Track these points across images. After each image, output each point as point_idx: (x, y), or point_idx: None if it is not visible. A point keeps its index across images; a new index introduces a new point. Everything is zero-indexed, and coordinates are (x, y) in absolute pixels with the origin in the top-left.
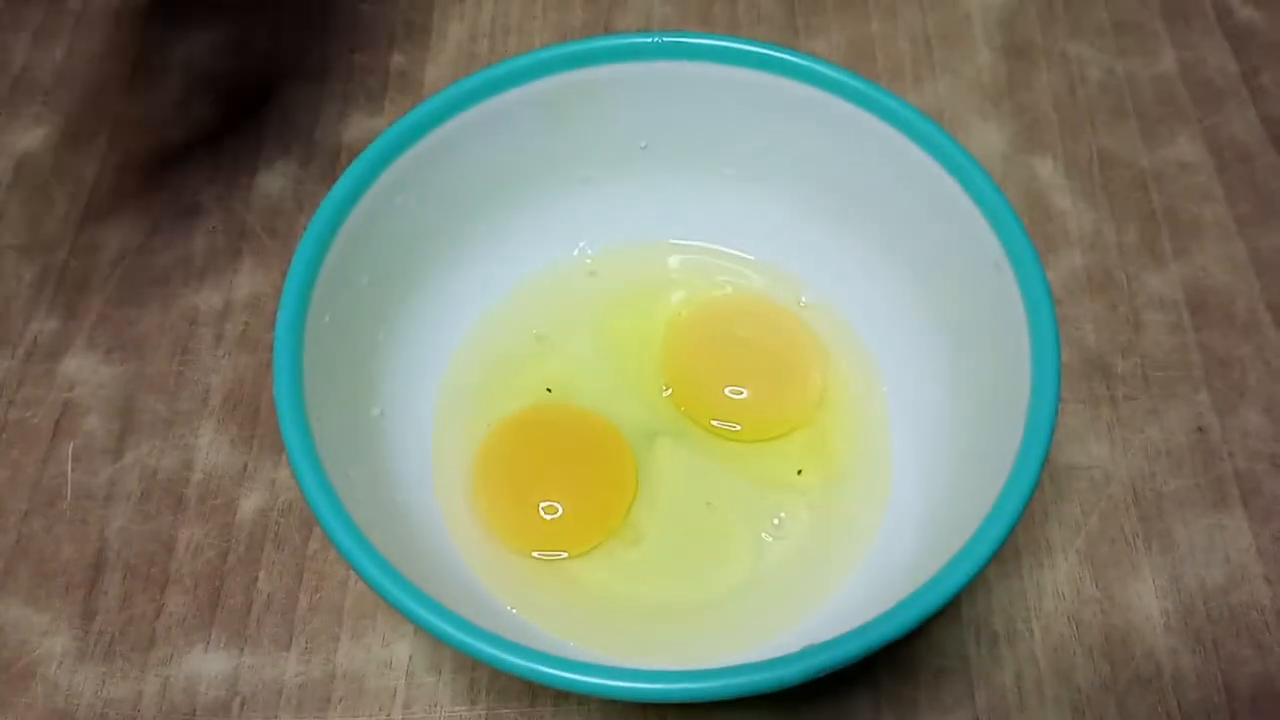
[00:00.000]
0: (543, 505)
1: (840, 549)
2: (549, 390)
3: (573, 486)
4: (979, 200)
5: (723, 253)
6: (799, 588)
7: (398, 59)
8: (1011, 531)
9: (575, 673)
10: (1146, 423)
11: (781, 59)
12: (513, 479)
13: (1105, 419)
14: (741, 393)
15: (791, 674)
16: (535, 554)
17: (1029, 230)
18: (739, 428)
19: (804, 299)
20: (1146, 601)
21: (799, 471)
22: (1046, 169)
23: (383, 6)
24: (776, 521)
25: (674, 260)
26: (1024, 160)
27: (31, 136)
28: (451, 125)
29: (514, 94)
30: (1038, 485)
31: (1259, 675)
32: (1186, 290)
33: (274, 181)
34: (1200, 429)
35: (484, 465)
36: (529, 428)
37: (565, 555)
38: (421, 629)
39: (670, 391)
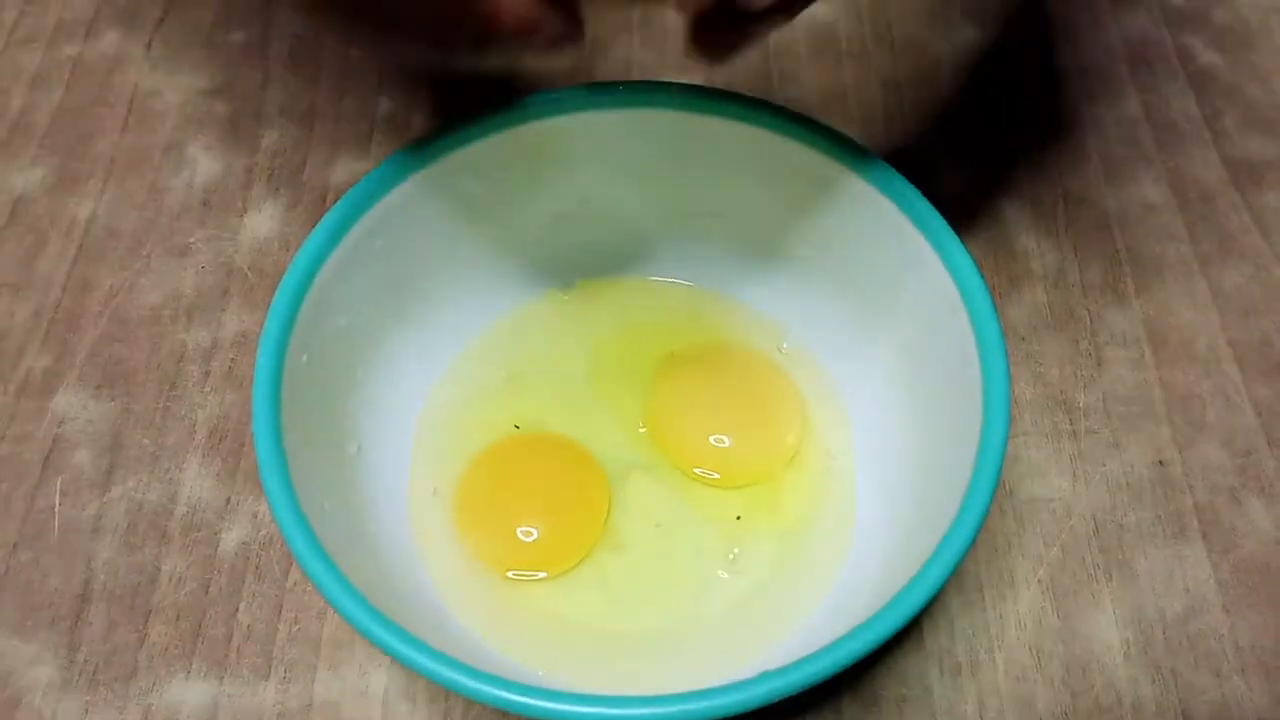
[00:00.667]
0: (520, 529)
1: (803, 584)
2: (516, 427)
3: (549, 509)
4: (935, 244)
5: (699, 291)
6: (761, 620)
7: (385, 104)
8: (959, 564)
9: (542, 699)
10: (1108, 456)
11: (745, 107)
12: (493, 502)
13: (1067, 452)
14: (723, 441)
15: (750, 698)
16: (511, 574)
17: (993, 269)
18: (717, 475)
19: (785, 345)
20: (1107, 631)
21: (738, 517)
22: (1012, 209)
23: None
24: (732, 556)
25: (651, 299)
26: (990, 201)
27: (27, 178)
28: (430, 170)
29: (491, 140)
30: (985, 519)
31: (1217, 703)
32: (1148, 327)
33: (262, 223)
34: (1161, 462)
35: (468, 488)
36: (512, 453)
37: (544, 575)
38: (395, 660)
39: (645, 429)
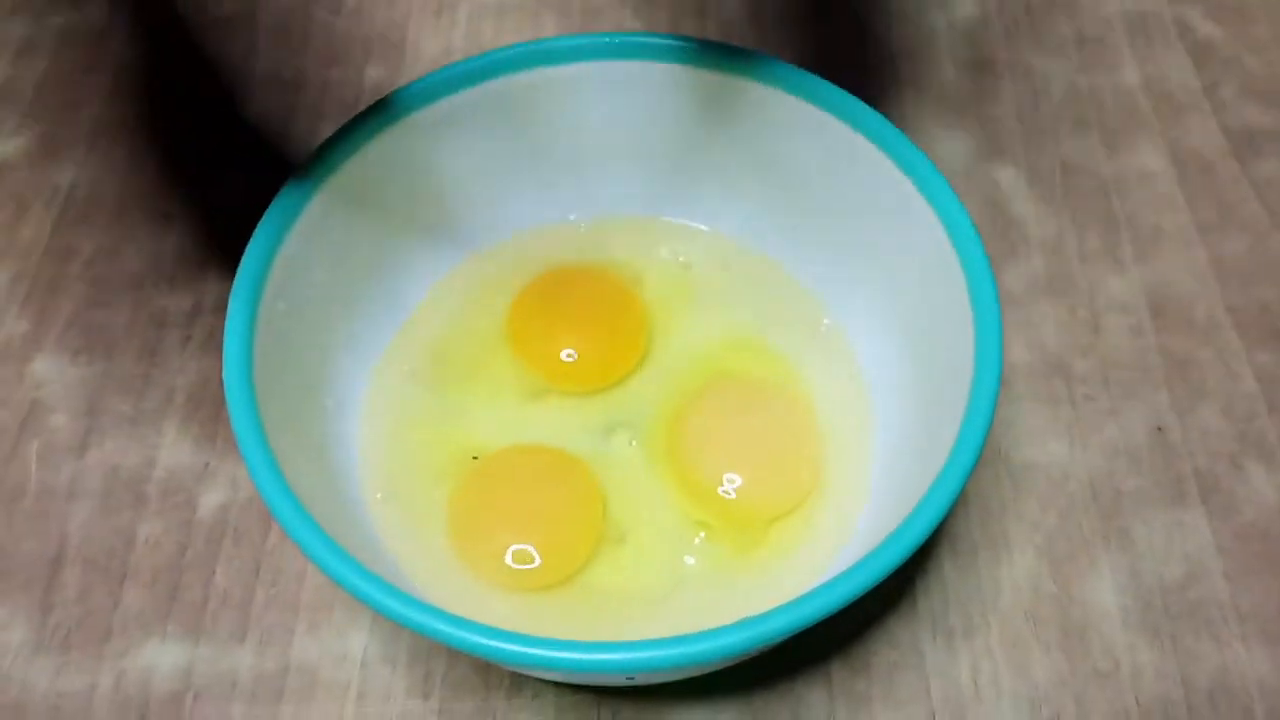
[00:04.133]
0: (514, 550)
1: (806, 565)
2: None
3: (547, 530)
4: (933, 203)
5: (701, 231)
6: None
7: (372, 74)
8: (942, 519)
9: (526, 645)
10: (1106, 422)
11: (734, 59)
12: (490, 522)
13: (1065, 418)
14: (729, 493)
15: (731, 644)
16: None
17: (991, 235)
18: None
19: (826, 321)
20: (1104, 597)
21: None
22: (1009, 178)
23: (358, 22)
24: (698, 542)
25: (641, 242)
26: (987, 169)
27: (10, 146)
28: (412, 120)
29: (475, 91)
30: (971, 473)
31: (1216, 669)
32: (1147, 294)
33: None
34: (1159, 428)
35: (462, 504)
36: (508, 466)
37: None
38: (377, 614)
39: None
